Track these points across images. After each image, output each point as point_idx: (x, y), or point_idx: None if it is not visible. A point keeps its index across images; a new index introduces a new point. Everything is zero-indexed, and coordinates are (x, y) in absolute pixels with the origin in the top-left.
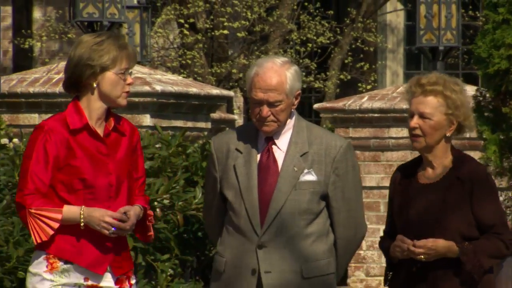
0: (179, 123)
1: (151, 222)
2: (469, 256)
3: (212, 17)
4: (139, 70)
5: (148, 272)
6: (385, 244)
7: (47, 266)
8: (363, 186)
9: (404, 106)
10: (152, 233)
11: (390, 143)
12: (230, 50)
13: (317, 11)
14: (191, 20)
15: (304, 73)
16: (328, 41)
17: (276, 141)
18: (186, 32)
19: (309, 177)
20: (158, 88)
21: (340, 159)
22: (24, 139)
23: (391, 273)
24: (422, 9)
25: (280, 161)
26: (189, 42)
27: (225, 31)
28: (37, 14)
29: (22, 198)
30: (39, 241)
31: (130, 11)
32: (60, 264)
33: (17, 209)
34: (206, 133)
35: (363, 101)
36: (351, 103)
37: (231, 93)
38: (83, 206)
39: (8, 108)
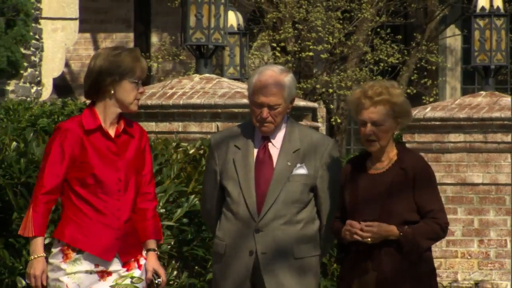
0: None
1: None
2: (407, 238)
3: (299, 41)
4: (238, 86)
5: None
6: (336, 227)
7: (62, 257)
8: None
9: (461, 115)
10: (160, 235)
11: (449, 147)
12: (315, 68)
13: (388, 36)
14: (282, 44)
15: None
16: (397, 61)
17: (271, 139)
18: (278, 54)
19: (301, 170)
20: None
21: (327, 155)
22: None
23: (342, 254)
24: (477, 34)
25: (275, 157)
26: (280, 62)
27: (311, 53)
28: (154, 39)
29: (35, 197)
30: (20, 232)
31: (231, 36)
32: (73, 255)
33: (32, 198)
34: None
35: (427, 111)
36: (416, 113)
37: (315, 104)
38: (42, 255)
39: (130, 118)
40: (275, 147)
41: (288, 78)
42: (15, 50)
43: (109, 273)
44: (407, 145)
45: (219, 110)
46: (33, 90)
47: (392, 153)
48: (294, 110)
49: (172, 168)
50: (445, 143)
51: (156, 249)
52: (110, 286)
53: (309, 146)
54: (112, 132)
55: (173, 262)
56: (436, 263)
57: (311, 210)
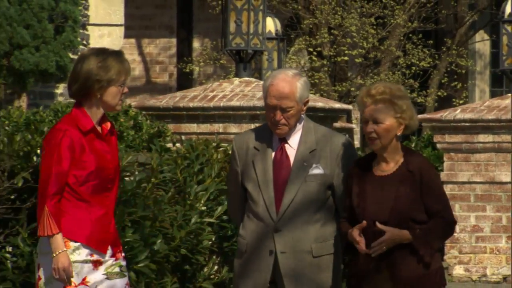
0: None
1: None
2: (420, 241)
3: (335, 46)
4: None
5: None
6: (344, 228)
7: None
8: (457, 181)
9: (490, 116)
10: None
11: (478, 147)
12: (349, 72)
13: (419, 41)
14: (318, 49)
15: (408, 91)
16: (428, 65)
17: (288, 140)
18: (314, 58)
19: (317, 170)
20: None
21: (343, 154)
22: (185, 144)
23: (349, 254)
24: (505, 39)
25: (292, 158)
26: (316, 66)
27: (346, 58)
28: (196, 44)
29: (46, 196)
30: (40, 234)
31: (269, 42)
32: (71, 244)
33: (39, 198)
34: None
35: (457, 113)
36: (447, 114)
37: (350, 106)
38: (62, 250)
39: (173, 119)
40: (292, 148)
41: (300, 81)
42: (63, 55)
43: (101, 263)
44: (438, 145)
45: (258, 112)
46: None
47: (398, 156)
48: (329, 111)
49: (212, 168)
50: (475, 143)
51: None
52: (102, 274)
53: (325, 146)
54: (100, 131)
55: (214, 257)
56: (466, 258)
57: (329, 208)
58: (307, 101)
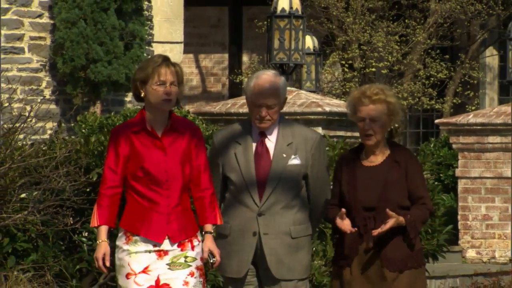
0: (341, 133)
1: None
2: (411, 225)
3: (364, 59)
4: (314, 96)
5: (320, 235)
6: (332, 214)
7: (125, 239)
8: (470, 177)
9: (498, 121)
10: (217, 219)
11: (488, 147)
12: (377, 82)
13: (437, 55)
14: (350, 62)
15: (428, 99)
16: (445, 77)
17: (267, 135)
18: (346, 70)
19: (295, 161)
20: (327, 109)
21: (315, 147)
22: None
23: (337, 236)
24: (511, 54)
25: (271, 150)
26: (348, 77)
27: (373, 69)
28: (245, 58)
29: (99, 191)
30: (91, 225)
31: (308, 56)
32: (133, 237)
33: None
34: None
35: (470, 118)
36: (461, 119)
37: None
38: (104, 240)
39: (225, 123)
40: (271, 142)
41: (282, 81)
42: (132, 68)
43: (166, 252)
44: (454, 146)
45: (298, 117)
46: None
47: (385, 148)
48: None
49: None
50: (485, 144)
51: (212, 232)
52: (166, 264)
53: (300, 140)
54: (160, 130)
55: None
56: (477, 243)
57: (303, 196)
58: (286, 99)
